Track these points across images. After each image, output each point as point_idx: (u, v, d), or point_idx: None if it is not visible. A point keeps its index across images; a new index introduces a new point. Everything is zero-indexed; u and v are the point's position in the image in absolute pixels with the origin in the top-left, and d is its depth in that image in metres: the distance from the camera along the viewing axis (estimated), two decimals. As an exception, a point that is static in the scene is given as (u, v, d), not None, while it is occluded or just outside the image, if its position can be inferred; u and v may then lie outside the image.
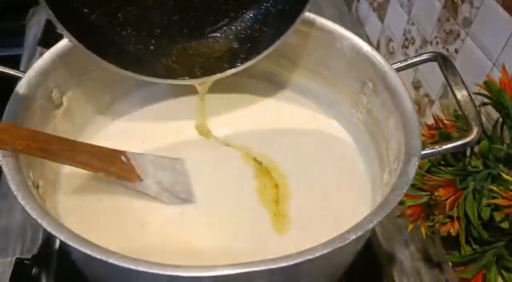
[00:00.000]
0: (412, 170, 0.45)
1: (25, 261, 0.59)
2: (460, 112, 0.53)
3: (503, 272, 0.53)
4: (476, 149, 0.56)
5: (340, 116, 0.67)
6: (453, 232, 0.56)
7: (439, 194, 0.55)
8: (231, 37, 0.60)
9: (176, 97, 0.69)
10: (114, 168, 0.53)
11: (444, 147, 0.49)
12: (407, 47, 0.81)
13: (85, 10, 0.53)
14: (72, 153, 0.50)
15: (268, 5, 0.58)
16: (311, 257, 0.38)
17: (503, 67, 0.56)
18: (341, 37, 0.59)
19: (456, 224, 0.55)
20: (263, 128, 0.66)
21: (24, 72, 0.52)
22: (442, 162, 0.58)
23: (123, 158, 0.54)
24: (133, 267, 0.37)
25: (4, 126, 0.45)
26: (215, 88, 0.71)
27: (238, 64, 0.59)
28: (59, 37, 0.54)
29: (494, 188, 0.52)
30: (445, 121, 0.60)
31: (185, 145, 0.64)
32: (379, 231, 0.67)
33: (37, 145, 0.47)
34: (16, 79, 0.52)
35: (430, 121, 0.65)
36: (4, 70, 0.53)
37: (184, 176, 0.59)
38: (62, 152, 0.49)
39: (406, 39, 0.81)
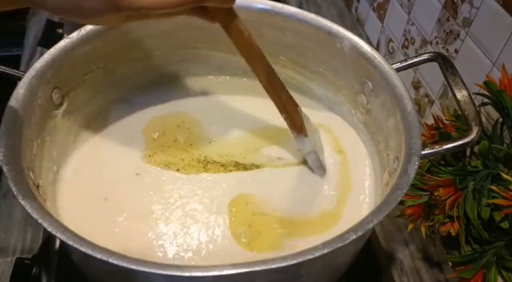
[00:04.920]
0: (412, 169, 0.45)
1: (25, 261, 0.59)
2: (460, 112, 0.53)
3: (503, 272, 0.53)
4: (476, 149, 0.56)
5: (340, 116, 0.67)
6: (453, 232, 0.56)
7: (439, 193, 0.55)
8: None
9: (178, 99, 0.69)
10: (294, 114, 0.56)
11: (444, 146, 0.49)
12: (407, 47, 0.81)
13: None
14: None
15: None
16: (311, 257, 0.38)
17: (503, 67, 0.56)
18: (341, 37, 0.59)
19: (456, 224, 0.55)
20: (262, 128, 0.66)
21: (24, 72, 0.52)
22: (442, 162, 0.58)
23: (299, 109, 0.58)
24: (133, 267, 0.37)
25: None
26: (215, 90, 0.71)
27: None
28: (59, 37, 0.54)
29: (494, 188, 0.52)
30: (445, 121, 0.60)
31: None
32: (379, 231, 0.67)
33: None
34: (16, 79, 0.52)
35: (430, 121, 0.65)
36: (4, 70, 0.53)
37: (320, 149, 0.62)
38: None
39: (406, 39, 0.81)
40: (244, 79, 0.72)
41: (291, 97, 0.57)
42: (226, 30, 0.50)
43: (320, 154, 0.61)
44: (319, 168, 0.60)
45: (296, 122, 0.57)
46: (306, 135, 0.58)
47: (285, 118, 0.57)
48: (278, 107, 0.56)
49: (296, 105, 0.58)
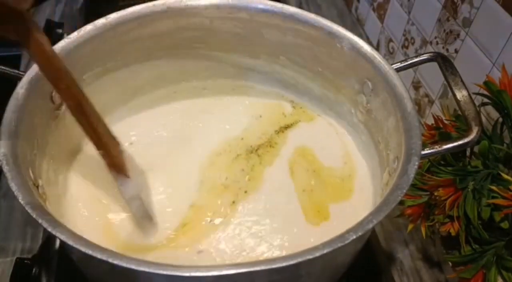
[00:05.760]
0: (412, 169, 0.45)
1: (25, 261, 0.59)
2: (460, 112, 0.53)
3: (503, 272, 0.53)
4: (476, 149, 0.56)
5: (340, 116, 0.67)
6: (453, 232, 0.56)
7: (439, 193, 0.55)
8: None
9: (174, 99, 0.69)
10: (113, 151, 0.50)
11: (444, 146, 0.49)
12: (407, 47, 0.81)
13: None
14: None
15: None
16: (311, 257, 0.38)
17: (503, 67, 0.56)
18: (341, 37, 0.59)
19: (456, 224, 0.55)
20: (262, 127, 0.66)
21: (24, 72, 0.52)
22: (442, 162, 0.58)
23: (120, 147, 0.52)
24: (133, 267, 0.37)
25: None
26: (214, 91, 0.71)
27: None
28: (59, 37, 0.54)
29: (494, 188, 0.52)
30: (445, 121, 0.60)
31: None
32: (379, 231, 0.67)
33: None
34: (16, 79, 0.52)
35: (430, 121, 0.65)
36: (4, 70, 0.53)
37: (147, 194, 0.56)
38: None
39: (406, 39, 0.81)
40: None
41: (109, 130, 0.51)
42: (23, 42, 0.42)
43: (147, 199, 0.55)
44: (145, 218, 0.53)
45: (116, 160, 0.51)
46: (127, 176, 0.52)
47: (102, 155, 0.50)
48: (92, 141, 0.49)
49: (115, 139, 0.51)
